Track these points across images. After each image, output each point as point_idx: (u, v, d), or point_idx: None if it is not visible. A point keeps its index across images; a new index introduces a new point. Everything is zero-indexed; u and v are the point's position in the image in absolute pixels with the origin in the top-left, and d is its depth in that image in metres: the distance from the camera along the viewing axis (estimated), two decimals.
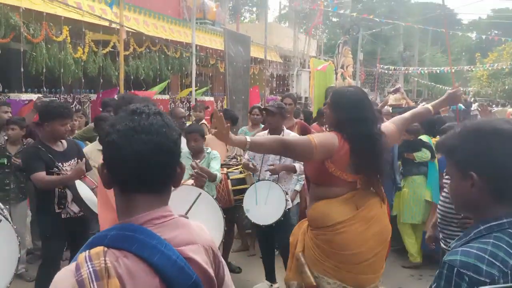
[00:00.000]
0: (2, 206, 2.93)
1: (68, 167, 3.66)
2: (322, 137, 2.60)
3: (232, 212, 4.78)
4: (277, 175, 4.13)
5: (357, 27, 17.88)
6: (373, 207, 2.62)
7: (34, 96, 6.66)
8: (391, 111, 6.65)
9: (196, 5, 10.52)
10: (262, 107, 5.70)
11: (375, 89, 27.24)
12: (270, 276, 4.49)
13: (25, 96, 6.82)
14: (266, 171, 4.20)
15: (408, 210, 5.11)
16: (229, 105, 8.36)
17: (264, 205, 4.00)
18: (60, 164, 3.62)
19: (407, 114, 3.00)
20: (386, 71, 28.41)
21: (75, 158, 3.75)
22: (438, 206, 3.28)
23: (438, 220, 3.17)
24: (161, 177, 1.19)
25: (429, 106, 3.07)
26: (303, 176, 4.56)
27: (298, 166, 4.09)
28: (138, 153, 1.13)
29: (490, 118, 1.38)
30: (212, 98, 11.99)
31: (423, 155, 4.99)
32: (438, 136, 5.49)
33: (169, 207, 1.23)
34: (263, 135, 4.23)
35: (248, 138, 2.48)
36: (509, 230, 1.22)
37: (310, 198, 2.80)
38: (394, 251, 5.29)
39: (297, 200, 5.24)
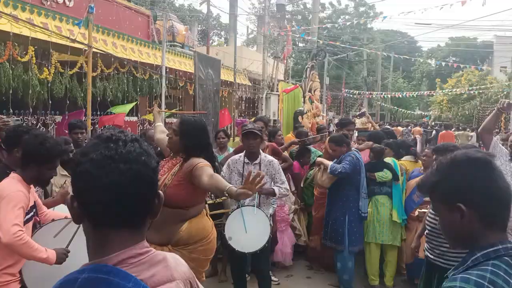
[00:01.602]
0: None
1: (36, 193, 3.52)
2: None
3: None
4: (257, 200, 4.05)
5: (323, 53, 18.33)
6: None
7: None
8: (357, 134, 6.80)
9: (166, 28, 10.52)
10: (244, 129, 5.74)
11: (341, 112, 27.84)
12: None
13: None
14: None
15: (372, 229, 5.16)
16: None
17: (250, 232, 3.85)
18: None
19: None
20: (351, 95, 29.17)
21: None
22: (427, 218, 3.43)
23: (427, 231, 3.33)
24: (139, 209, 1.10)
25: None
26: (288, 195, 4.59)
27: (277, 189, 4.05)
28: (115, 184, 1.04)
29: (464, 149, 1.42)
30: None
31: (384, 175, 5.11)
32: (404, 158, 5.65)
33: (145, 242, 1.13)
34: (239, 158, 4.22)
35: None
36: (505, 257, 1.25)
37: (174, 222, 2.99)
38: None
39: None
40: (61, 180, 4.13)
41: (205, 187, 2.84)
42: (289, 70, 19.15)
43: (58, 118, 8.00)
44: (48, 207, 3.35)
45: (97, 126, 8.16)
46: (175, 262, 1.19)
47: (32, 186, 2.88)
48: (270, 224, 3.95)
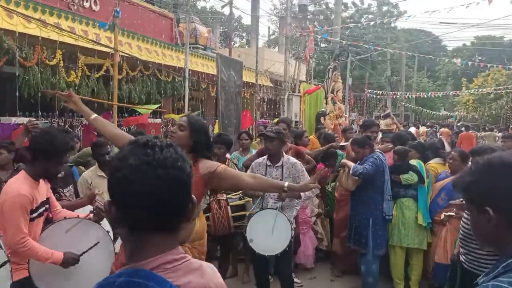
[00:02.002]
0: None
1: (67, 193, 3.62)
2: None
3: (230, 239, 4.72)
4: (281, 202, 4.04)
5: (346, 53, 18.20)
6: None
7: (25, 120, 6.61)
8: (381, 136, 6.72)
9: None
10: (259, 132, 5.73)
11: (364, 113, 27.56)
12: None
13: (15, 120, 6.76)
14: (275, 200, 4.10)
15: (397, 232, 5.09)
16: (221, 129, 8.38)
17: (270, 235, 3.85)
18: (60, 189, 3.58)
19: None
20: (374, 96, 28.85)
21: (72, 184, 3.71)
22: (461, 223, 3.36)
23: (460, 236, 3.26)
24: (176, 214, 1.12)
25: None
26: (300, 202, 4.56)
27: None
28: (154, 189, 1.05)
29: (500, 152, 1.41)
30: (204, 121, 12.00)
31: (409, 177, 5.03)
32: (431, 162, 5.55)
33: (180, 248, 1.14)
34: (262, 161, 4.22)
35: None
36: None
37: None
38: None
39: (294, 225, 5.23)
40: (101, 184, 4.13)
41: (250, 187, 3.01)
42: (311, 71, 19.09)
43: (85, 121, 8.18)
44: (75, 209, 3.43)
45: (123, 127, 8.31)
46: (212, 272, 1.19)
47: (48, 184, 2.93)
48: (292, 228, 3.94)
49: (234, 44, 33.42)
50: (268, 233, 3.83)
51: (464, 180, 1.36)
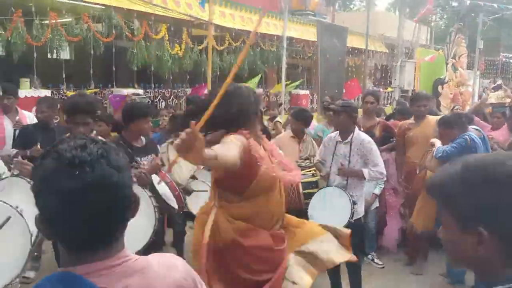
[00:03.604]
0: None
1: (146, 161, 3.85)
2: None
3: (305, 216, 4.63)
4: (346, 181, 3.81)
5: (475, 12, 16.17)
6: None
7: (134, 91, 7.19)
8: (492, 110, 5.86)
9: None
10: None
11: (495, 80, 24.51)
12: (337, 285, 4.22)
13: (126, 91, 7.37)
14: (337, 175, 3.91)
15: None
16: (320, 99, 8.15)
17: (328, 212, 3.71)
18: (138, 158, 3.82)
19: None
20: (511, 60, 25.36)
21: (152, 154, 3.92)
22: None
23: None
24: (114, 231, 1.03)
25: None
26: (383, 179, 4.26)
27: (367, 172, 3.75)
28: (86, 218, 0.96)
29: (498, 154, 1.05)
30: (307, 92, 11.81)
31: None
32: None
33: (123, 252, 1.05)
34: (334, 136, 4.00)
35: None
36: None
37: None
38: None
39: (376, 204, 4.90)
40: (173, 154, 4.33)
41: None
42: (433, 34, 17.41)
43: (189, 91, 8.61)
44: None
45: None
46: (165, 269, 1.10)
47: None
48: (352, 209, 3.67)
49: (353, 8, 31.99)
50: (325, 211, 3.69)
51: (448, 189, 1.05)
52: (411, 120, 4.88)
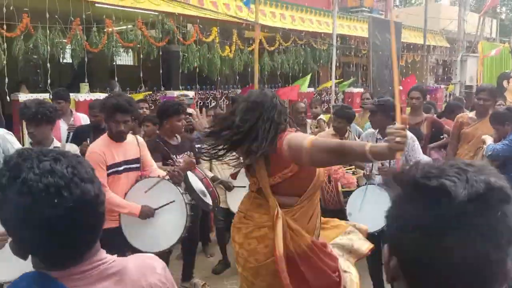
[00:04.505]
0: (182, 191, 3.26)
1: (181, 159, 3.98)
2: None
3: (343, 214, 4.55)
4: (387, 180, 3.67)
5: None
6: None
7: (183, 93, 7.41)
8: None
9: None
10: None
11: None
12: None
13: (177, 93, 7.61)
14: (377, 175, 3.79)
15: None
16: (374, 96, 7.94)
17: (369, 211, 3.60)
18: (174, 156, 3.96)
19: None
20: None
21: (188, 151, 4.05)
22: None
23: None
24: (84, 244, 1.02)
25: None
26: None
27: None
28: (67, 238, 0.96)
29: None
30: (361, 90, 11.54)
31: None
32: None
33: (99, 255, 1.05)
34: (373, 133, 3.90)
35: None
36: None
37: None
38: None
39: None
40: None
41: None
42: (498, 26, 16.35)
43: (239, 91, 8.73)
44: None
45: None
46: (140, 272, 1.10)
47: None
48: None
49: (414, 2, 30.77)
50: (366, 210, 3.58)
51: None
52: (472, 114, 4.51)
